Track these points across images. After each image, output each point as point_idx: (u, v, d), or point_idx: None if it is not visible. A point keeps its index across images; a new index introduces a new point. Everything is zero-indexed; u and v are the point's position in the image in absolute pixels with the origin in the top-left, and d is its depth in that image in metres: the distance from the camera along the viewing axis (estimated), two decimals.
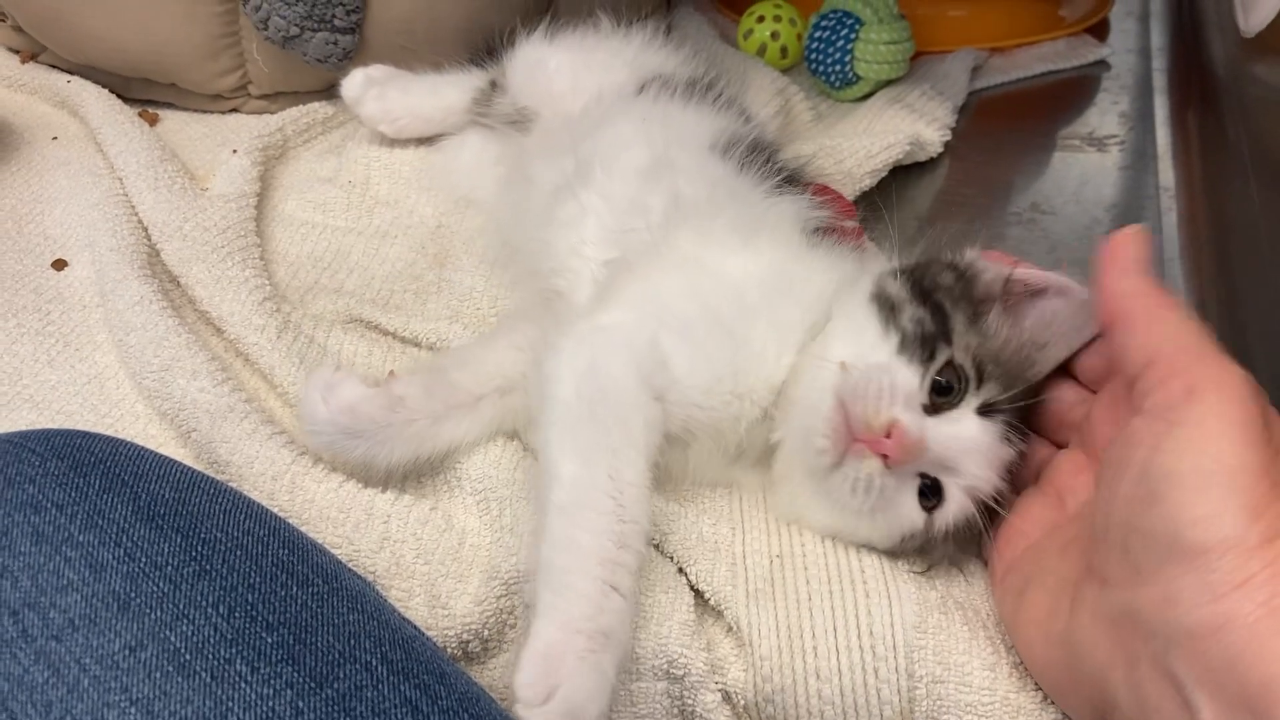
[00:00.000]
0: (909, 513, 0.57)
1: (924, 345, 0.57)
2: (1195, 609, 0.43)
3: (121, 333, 0.75)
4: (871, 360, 0.58)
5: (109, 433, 0.70)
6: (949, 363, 0.57)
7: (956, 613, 0.55)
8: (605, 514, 0.53)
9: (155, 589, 0.47)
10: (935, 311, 0.59)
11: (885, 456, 0.55)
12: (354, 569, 0.59)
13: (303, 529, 0.60)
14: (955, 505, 0.57)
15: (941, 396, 0.57)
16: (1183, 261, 0.87)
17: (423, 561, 0.60)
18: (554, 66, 0.90)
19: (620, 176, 0.72)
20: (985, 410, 0.57)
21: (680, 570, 0.59)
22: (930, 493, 0.57)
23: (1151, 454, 0.46)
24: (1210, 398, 0.46)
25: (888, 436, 0.55)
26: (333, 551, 0.59)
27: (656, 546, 0.60)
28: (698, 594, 0.58)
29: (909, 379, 0.57)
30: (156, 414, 0.71)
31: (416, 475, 0.66)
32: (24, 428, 0.70)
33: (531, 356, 0.65)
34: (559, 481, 0.55)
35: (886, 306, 0.60)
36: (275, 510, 0.61)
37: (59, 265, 0.86)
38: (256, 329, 0.74)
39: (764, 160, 0.73)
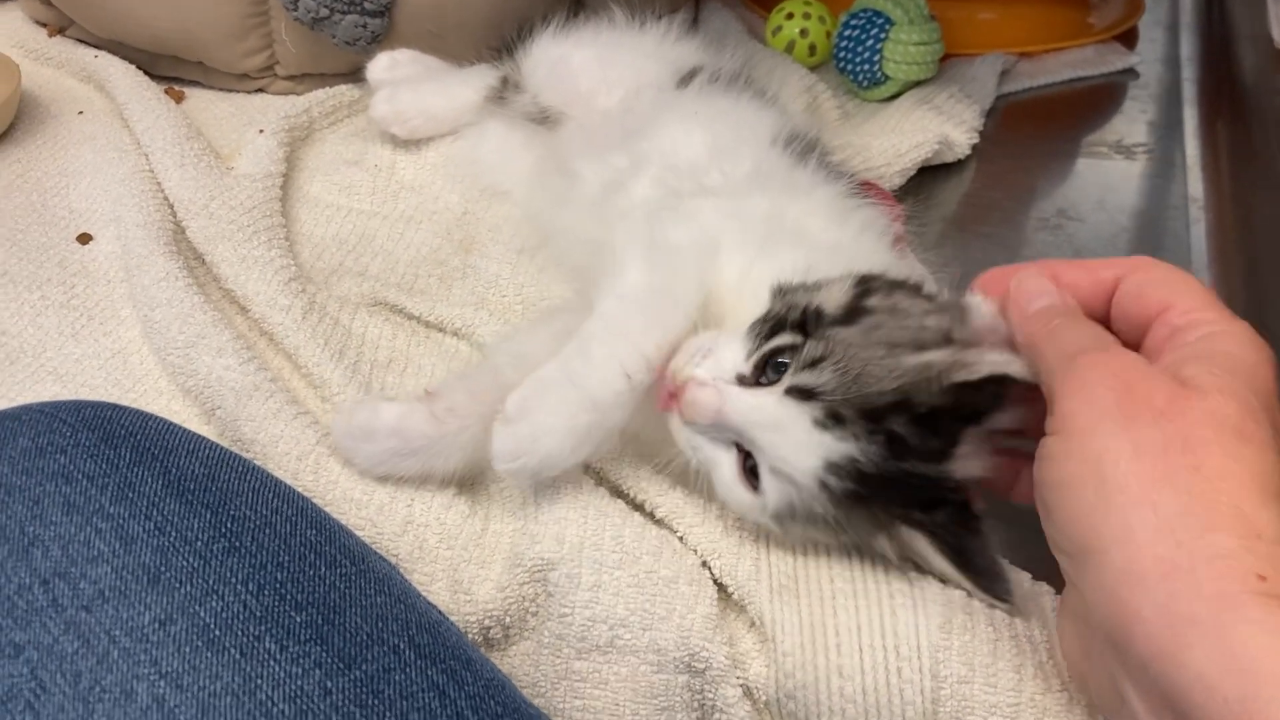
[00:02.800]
0: (732, 484, 0.57)
1: (771, 327, 0.57)
2: (1097, 607, 0.44)
3: (146, 308, 0.75)
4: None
5: (133, 407, 0.70)
6: (784, 347, 0.56)
7: (982, 612, 0.55)
8: (663, 315, 0.59)
9: (185, 563, 0.47)
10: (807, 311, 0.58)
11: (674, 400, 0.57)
12: (378, 552, 0.59)
13: (327, 510, 0.60)
14: (771, 486, 0.55)
15: (769, 378, 0.56)
16: (1210, 272, 0.87)
17: (445, 546, 0.60)
18: (578, 64, 0.89)
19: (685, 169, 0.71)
20: (800, 393, 0.54)
21: (704, 564, 0.58)
22: (754, 473, 0.56)
23: (1041, 468, 0.47)
24: (1065, 403, 0.47)
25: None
26: (357, 534, 0.59)
27: (680, 539, 0.59)
28: (721, 588, 0.58)
29: (736, 349, 0.57)
30: (180, 390, 0.71)
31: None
32: (48, 399, 0.70)
33: None
34: (624, 279, 0.62)
35: (779, 294, 0.59)
36: (300, 489, 0.61)
37: (84, 239, 0.86)
38: (282, 309, 0.73)
39: (820, 158, 0.73)
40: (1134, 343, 0.51)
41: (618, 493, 0.62)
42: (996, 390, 0.53)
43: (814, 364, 0.54)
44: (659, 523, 0.61)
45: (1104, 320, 0.53)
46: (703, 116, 0.78)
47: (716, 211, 0.67)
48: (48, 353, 0.75)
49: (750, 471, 0.56)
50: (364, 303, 0.78)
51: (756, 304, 0.60)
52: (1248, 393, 0.45)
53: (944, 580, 0.56)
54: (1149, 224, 0.94)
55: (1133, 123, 1.11)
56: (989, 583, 0.55)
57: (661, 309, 0.60)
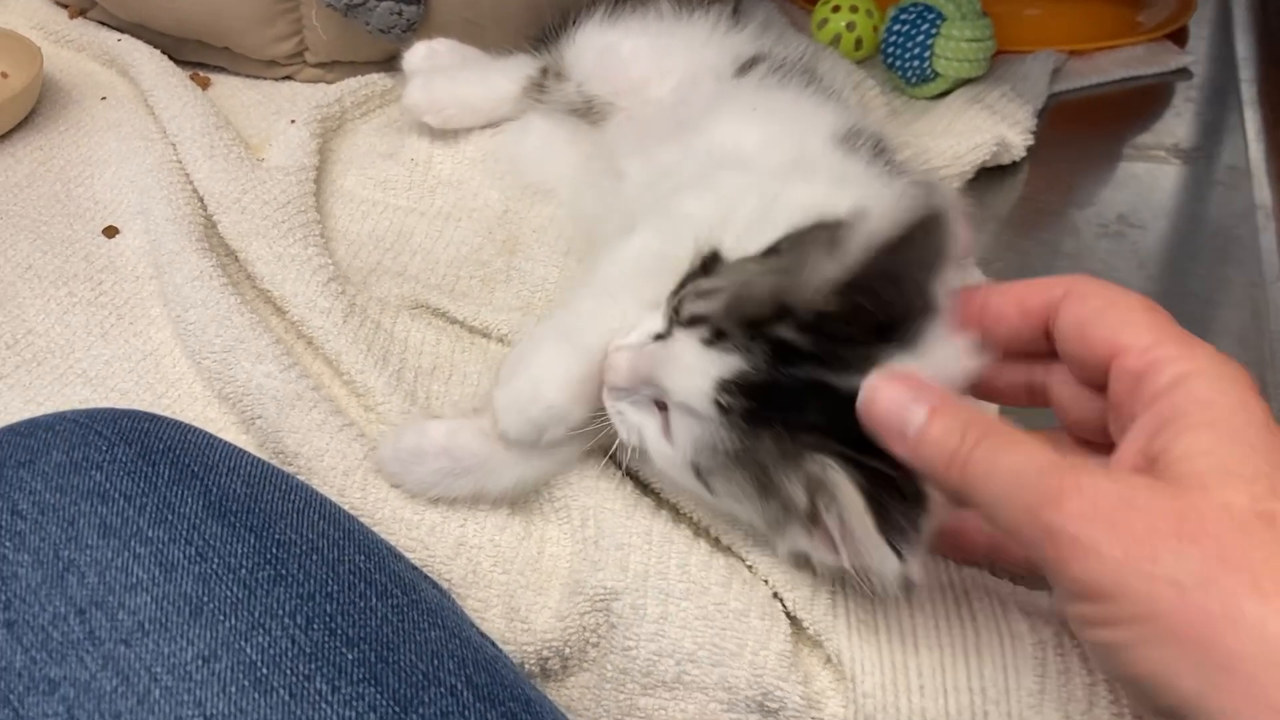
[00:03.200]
0: (657, 443, 0.54)
1: (683, 281, 0.56)
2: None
3: (179, 309, 0.72)
4: None
5: (166, 414, 0.67)
6: (686, 292, 0.54)
7: (1076, 654, 0.52)
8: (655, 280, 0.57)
9: (229, 593, 0.44)
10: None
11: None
12: (429, 575, 0.56)
13: (375, 529, 0.57)
14: (680, 429, 0.53)
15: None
16: None
17: (500, 570, 0.57)
18: (628, 51, 0.85)
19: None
20: (692, 321, 0.52)
21: (776, 595, 0.55)
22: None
23: (1089, 631, 0.40)
24: (1077, 568, 0.39)
25: None
26: (407, 556, 0.56)
27: (750, 568, 0.56)
28: (794, 621, 0.55)
29: (658, 316, 0.56)
30: (216, 396, 0.68)
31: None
32: (78, 404, 0.67)
33: None
34: (628, 243, 0.62)
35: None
36: (347, 507, 0.58)
37: (110, 232, 0.82)
38: (322, 312, 0.70)
39: (888, 157, 0.69)
40: (1094, 382, 0.46)
41: (679, 516, 0.59)
42: (890, 295, 0.48)
43: (706, 294, 0.53)
44: (726, 550, 0.57)
45: (1045, 343, 0.48)
46: (762, 111, 0.74)
47: (743, 186, 0.64)
48: (76, 353, 0.71)
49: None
50: (405, 305, 0.75)
51: None
52: (1243, 455, 0.38)
53: (845, 540, 0.49)
54: (1215, 232, 0.91)
55: (1187, 125, 1.07)
56: (894, 535, 0.46)
57: (656, 273, 0.59)
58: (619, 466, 0.60)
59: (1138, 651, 0.37)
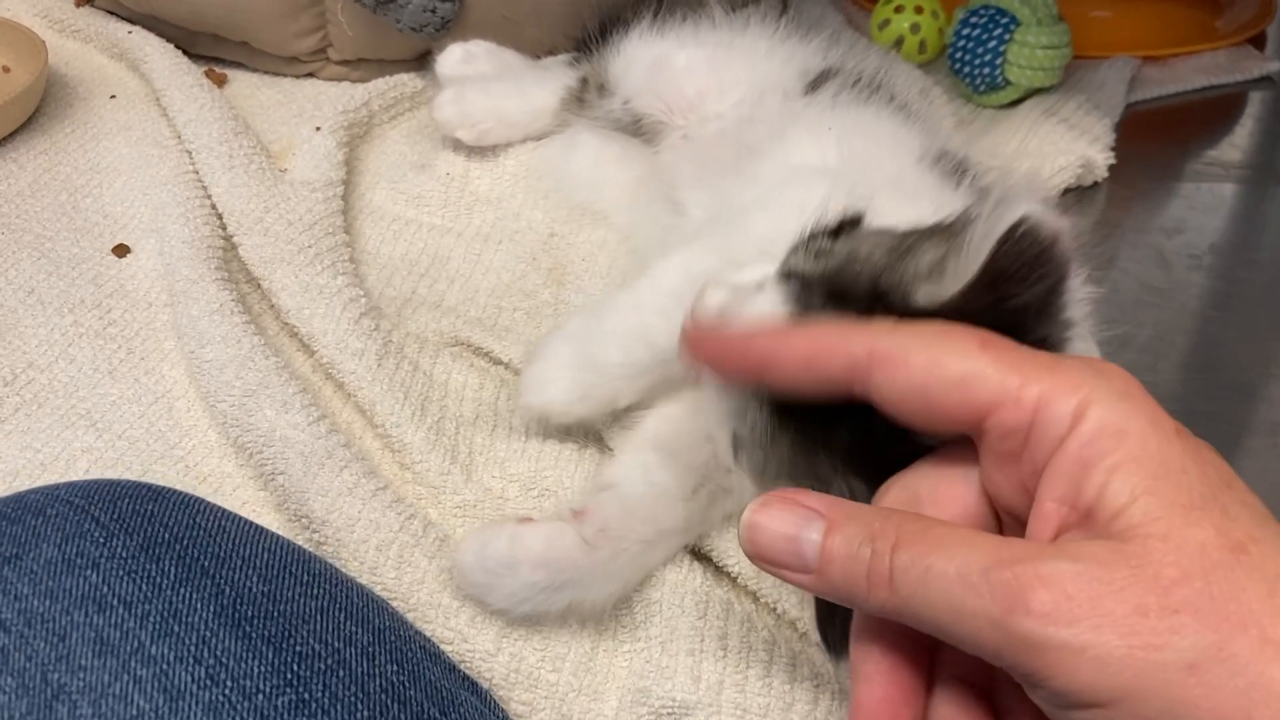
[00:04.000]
0: None
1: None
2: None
3: (195, 344, 0.65)
4: None
5: (179, 467, 0.61)
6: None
7: None
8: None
9: None
10: None
11: None
12: (468, 673, 0.50)
13: (409, 616, 0.51)
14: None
15: None
16: None
17: (550, 668, 0.50)
18: (683, 65, 0.78)
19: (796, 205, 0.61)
20: (785, 276, 0.45)
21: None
22: None
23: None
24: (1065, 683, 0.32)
25: None
26: (445, 650, 0.50)
27: (803, 636, 0.50)
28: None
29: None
30: (232, 446, 0.61)
31: None
32: (80, 451, 0.61)
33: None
34: (674, 257, 0.60)
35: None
36: (379, 590, 0.52)
37: (120, 251, 0.76)
38: (354, 354, 0.64)
39: (974, 182, 0.62)
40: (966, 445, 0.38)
41: (755, 608, 0.53)
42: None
43: (818, 253, 0.46)
44: (814, 646, 0.51)
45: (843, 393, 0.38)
46: (839, 132, 0.67)
47: (823, 199, 0.57)
48: (81, 392, 0.65)
49: None
50: (444, 343, 0.68)
51: None
52: (1181, 482, 0.32)
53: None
54: None
55: (1266, 139, 0.99)
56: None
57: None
58: (688, 552, 0.54)
59: None
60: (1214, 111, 1.06)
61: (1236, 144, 1.02)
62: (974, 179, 0.66)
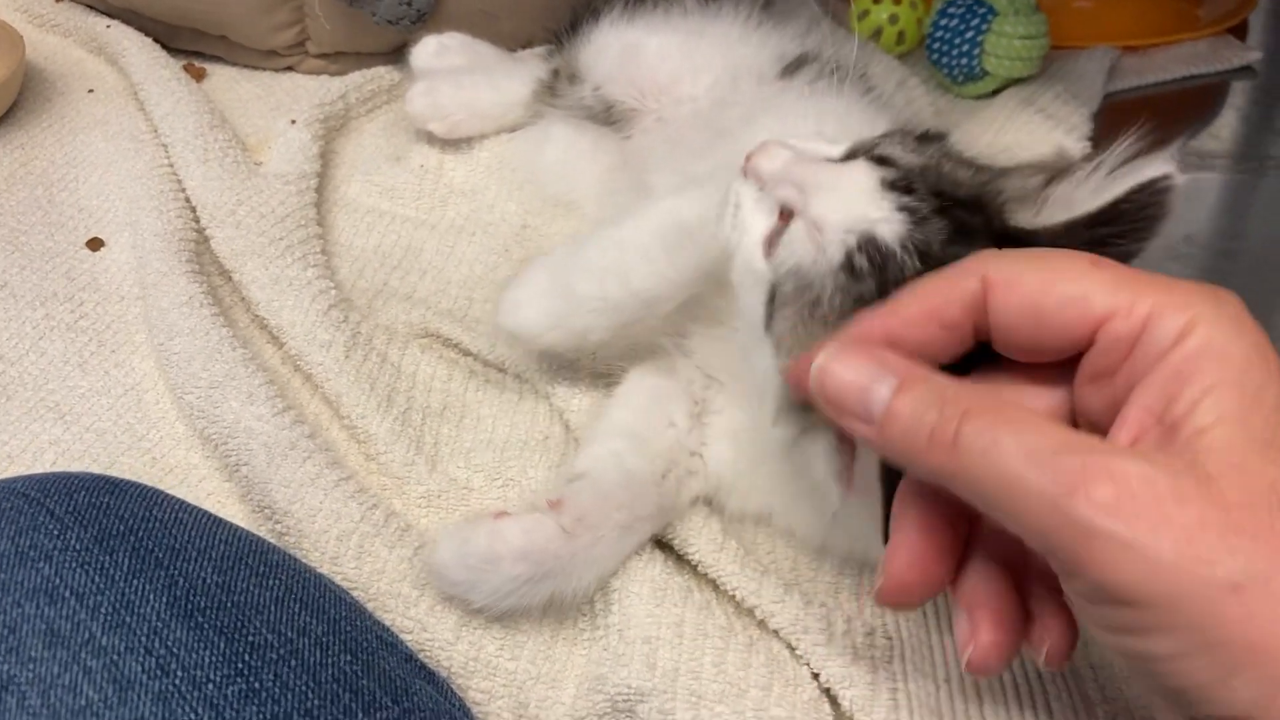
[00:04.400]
0: (752, 248, 0.48)
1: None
2: None
3: (164, 336, 0.65)
4: None
5: (145, 459, 0.61)
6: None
7: None
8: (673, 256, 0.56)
9: (192, 714, 0.38)
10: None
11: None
12: (426, 662, 0.50)
13: (369, 605, 0.51)
14: (793, 240, 0.46)
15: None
16: None
17: (508, 657, 0.50)
18: (655, 50, 0.78)
19: None
20: (879, 160, 0.46)
21: (827, 692, 0.49)
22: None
23: (1133, 640, 0.34)
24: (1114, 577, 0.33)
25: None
26: (404, 639, 0.50)
27: (797, 657, 0.50)
28: (833, 702, 0.49)
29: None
30: (199, 437, 0.62)
31: None
32: (48, 444, 0.61)
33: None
34: (662, 202, 0.59)
35: None
36: (338, 579, 0.52)
37: (94, 245, 0.76)
38: (322, 345, 0.64)
39: None
40: (1066, 361, 0.38)
41: (715, 598, 0.53)
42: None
43: (912, 148, 0.47)
44: (770, 633, 0.51)
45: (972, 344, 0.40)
46: (811, 118, 0.67)
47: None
48: (50, 384, 0.65)
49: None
50: (413, 334, 0.68)
51: None
52: (1270, 420, 0.33)
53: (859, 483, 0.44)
54: (1277, 245, 0.83)
55: (1259, 131, 0.99)
56: None
57: (678, 247, 0.56)
58: (650, 540, 0.54)
59: (1184, 662, 0.32)
60: (1194, 101, 1.06)
61: (1215, 133, 1.02)
62: None
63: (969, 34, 0.96)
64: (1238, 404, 0.33)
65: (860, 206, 0.44)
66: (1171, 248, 0.84)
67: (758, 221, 0.48)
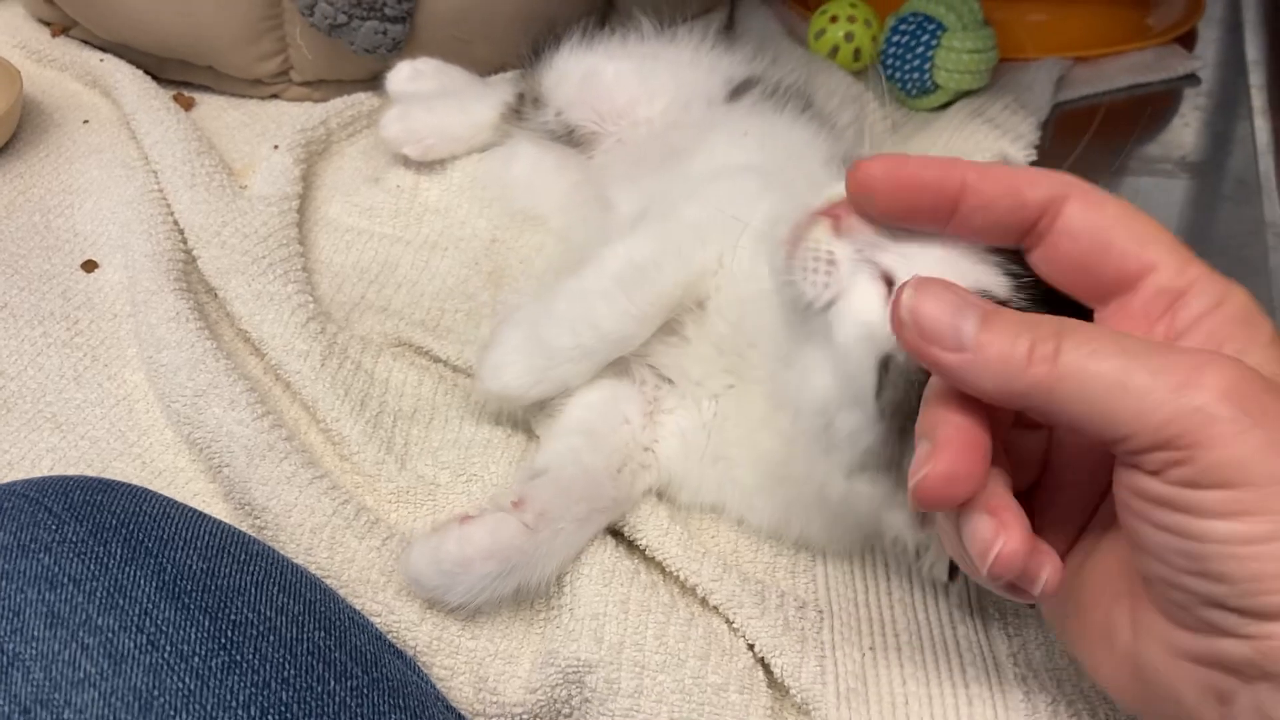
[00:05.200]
0: (875, 307, 0.46)
1: None
2: None
3: (153, 349, 0.70)
4: None
5: (136, 463, 0.66)
6: None
7: (1066, 714, 0.50)
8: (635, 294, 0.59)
9: (180, 685, 0.42)
10: None
11: (835, 218, 0.46)
12: (394, 641, 0.54)
13: (341, 592, 0.56)
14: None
15: None
16: None
17: (469, 636, 0.55)
18: (612, 76, 0.83)
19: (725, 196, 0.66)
20: None
21: (761, 661, 0.53)
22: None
23: (1203, 523, 0.36)
24: (1211, 456, 0.36)
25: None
26: (372, 622, 0.54)
27: (734, 630, 0.54)
28: (781, 688, 0.53)
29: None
30: (186, 442, 0.66)
31: None
32: (45, 451, 0.66)
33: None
34: (618, 246, 0.62)
35: None
36: (312, 568, 0.57)
37: (89, 267, 0.81)
38: (299, 355, 0.68)
39: None
40: (1097, 296, 0.42)
41: (660, 580, 0.57)
42: None
43: None
44: (710, 609, 0.55)
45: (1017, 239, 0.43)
46: (755, 136, 0.72)
47: (753, 189, 0.62)
48: (47, 397, 0.70)
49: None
50: (387, 343, 0.73)
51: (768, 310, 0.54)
52: None
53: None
54: (1224, 253, 0.87)
55: (1199, 136, 1.04)
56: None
57: (638, 285, 0.59)
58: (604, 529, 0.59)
59: (1262, 547, 0.35)
60: (1140, 109, 1.10)
61: (1160, 140, 1.06)
62: None
63: (919, 49, 1.00)
64: (1275, 362, 0.38)
65: (971, 272, 0.44)
66: None
67: (862, 285, 0.47)
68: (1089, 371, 0.37)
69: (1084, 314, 0.43)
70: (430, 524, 0.61)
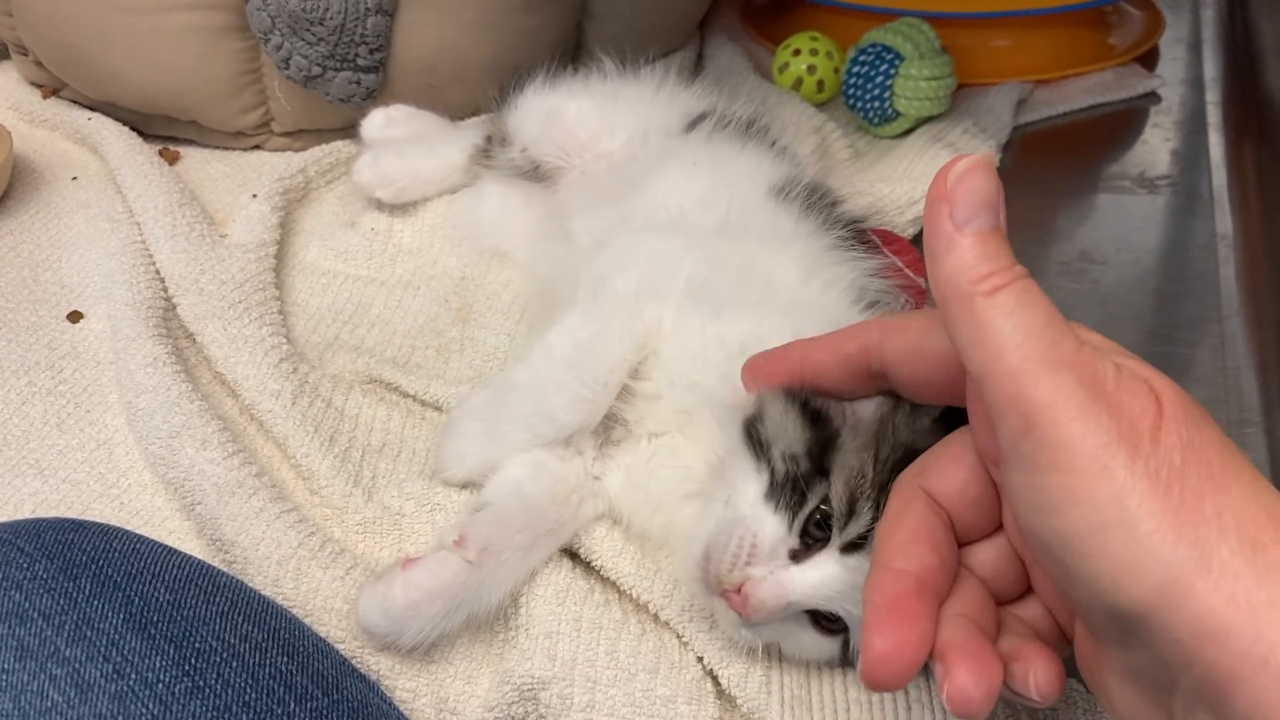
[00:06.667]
0: (813, 644, 0.53)
1: (794, 488, 0.51)
2: (1188, 667, 0.35)
3: (132, 394, 0.73)
4: (737, 508, 0.53)
5: (115, 504, 0.68)
6: (821, 504, 0.51)
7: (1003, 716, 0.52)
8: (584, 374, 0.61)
9: (145, 710, 0.44)
10: (817, 436, 0.52)
11: (734, 600, 0.51)
12: (358, 666, 0.56)
13: (306, 620, 0.58)
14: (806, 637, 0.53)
15: (814, 537, 0.51)
16: (1242, 317, 0.83)
17: (430, 659, 0.57)
18: (574, 114, 0.86)
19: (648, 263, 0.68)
20: (850, 547, 0.50)
21: (711, 674, 0.55)
22: (829, 620, 0.52)
23: (1038, 519, 0.38)
24: (1051, 433, 0.36)
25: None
26: (337, 648, 0.56)
27: (684, 644, 0.56)
28: (728, 699, 0.55)
29: (773, 531, 0.51)
30: (162, 483, 0.69)
31: None
32: (28, 496, 0.69)
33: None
34: (560, 327, 0.64)
35: (756, 441, 0.54)
36: (279, 599, 0.59)
37: (74, 317, 0.84)
38: (271, 394, 0.71)
39: (826, 207, 0.70)
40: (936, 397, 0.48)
41: (615, 589, 0.59)
42: None
43: (851, 511, 0.50)
44: (662, 625, 0.57)
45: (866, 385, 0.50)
46: (703, 166, 0.75)
47: (670, 253, 0.65)
48: (31, 444, 0.72)
49: (818, 620, 0.53)
50: (358, 380, 0.76)
51: (703, 365, 0.59)
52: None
53: None
54: (1177, 265, 0.89)
55: (1156, 153, 1.06)
56: None
57: (587, 365, 0.61)
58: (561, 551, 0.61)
59: (1092, 531, 0.36)
60: (1102, 128, 1.13)
61: (1119, 158, 1.08)
62: (826, 204, 0.73)
63: (879, 79, 1.03)
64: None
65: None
66: (1066, 264, 0.91)
67: (791, 630, 0.53)
68: (998, 324, 0.38)
69: None
70: (394, 555, 0.63)
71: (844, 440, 0.51)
